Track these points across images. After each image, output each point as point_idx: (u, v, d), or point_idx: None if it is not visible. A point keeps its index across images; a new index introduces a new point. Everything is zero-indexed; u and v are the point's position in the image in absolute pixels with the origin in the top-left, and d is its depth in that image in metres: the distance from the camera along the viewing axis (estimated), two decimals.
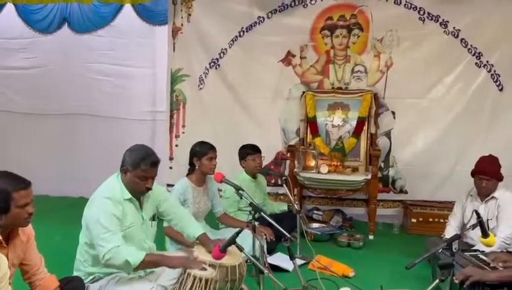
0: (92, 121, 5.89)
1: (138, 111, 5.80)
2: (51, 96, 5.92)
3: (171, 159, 5.38)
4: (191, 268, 2.40)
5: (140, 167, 2.42)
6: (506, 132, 4.71)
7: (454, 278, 2.36)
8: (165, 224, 3.16)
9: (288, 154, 4.75)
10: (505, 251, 3.07)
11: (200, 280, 2.34)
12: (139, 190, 2.49)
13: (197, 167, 3.42)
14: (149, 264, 2.41)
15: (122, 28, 5.62)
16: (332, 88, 4.99)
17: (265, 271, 2.40)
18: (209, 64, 5.27)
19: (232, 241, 2.35)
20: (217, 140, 3.74)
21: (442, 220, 4.43)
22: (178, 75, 5.41)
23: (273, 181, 4.98)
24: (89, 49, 5.74)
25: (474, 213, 2.38)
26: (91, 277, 2.45)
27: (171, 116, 5.50)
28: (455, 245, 2.41)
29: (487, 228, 2.40)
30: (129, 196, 2.46)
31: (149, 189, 2.49)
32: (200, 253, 2.63)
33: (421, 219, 4.61)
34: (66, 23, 5.68)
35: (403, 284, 3.08)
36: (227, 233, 3.47)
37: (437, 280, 1.59)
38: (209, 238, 2.74)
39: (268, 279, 2.45)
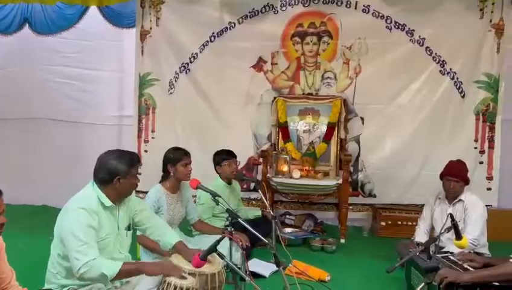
0: (55, 125, 5.68)
1: (104, 116, 5.65)
2: (11, 100, 5.67)
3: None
4: (170, 275, 2.34)
5: (135, 168, 2.44)
6: (468, 136, 4.93)
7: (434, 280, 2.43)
8: (138, 233, 3.09)
9: (261, 160, 4.77)
10: (472, 251, 3.19)
11: (181, 289, 2.29)
12: (131, 191, 2.50)
13: (171, 174, 3.35)
14: (127, 273, 2.33)
15: (88, 31, 5.47)
16: (303, 94, 5.06)
17: (247, 278, 2.38)
18: (179, 68, 5.22)
19: (213, 249, 2.31)
20: (187, 145, 3.69)
21: (411, 223, 4.57)
22: (147, 79, 5.32)
23: (245, 186, 4.97)
24: (52, 51, 5.54)
25: (449, 216, 2.46)
26: None
27: (140, 121, 5.40)
28: (432, 248, 2.48)
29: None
30: (110, 203, 2.38)
31: (137, 185, 2.49)
32: (178, 261, 2.57)
33: (389, 222, 4.73)
34: (28, 24, 5.47)
35: (378, 286, 3.14)
36: (201, 240, 3.44)
37: (423, 283, 1.63)
38: (186, 246, 2.69)
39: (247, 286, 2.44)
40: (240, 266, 2.60)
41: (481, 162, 4.87)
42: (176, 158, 3.35)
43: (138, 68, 5.33)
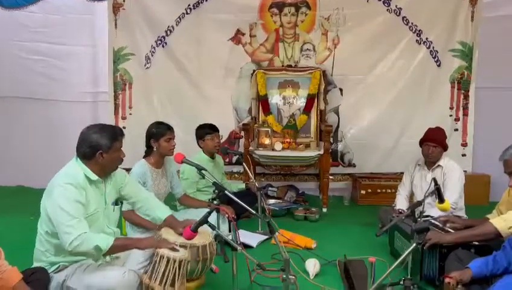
0: (27, 104, 5.49)
1: (78, 92, 5.48)
2: None
3: None
4: (162, 248, 2.35)
5: (118, 141, 2.39)
6: (443, 104, 5.05)
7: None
8: (123, 208, 3.06)
9: (242, 133, 4.76)
10: (451, 214, 3.30)
11: (174, 261, 2.29)
12: (116, 165, 2.46)
13: (155, 149, 3.31)
14: (118, 248, 2.32)
15: (57, 4, 5.27)
16: (282, 66, 5.03)
17: (239, 248, 2.41)
18: (156, 42, 5.10)
19: (205, 220, 2.32)
20: (167, 121, 3.60)
21: (390, 191, 4.71)
22: (122, 54, 5.18)
23: (227, 160, 4.98)
24: (21, 26, 5.31)
25: (432, 181, 2.53)
26: (55, 267, 2.31)
27: (116, 97, 5.28)
28: (417, 212, 2.56)
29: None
30: (96, 177, 2.34)
31: (122, 159, 2.46)
32: (169, 235, 2.58)
33: (369, 191, 4.85)
34: None
35: (362, 251, 3.23)
36: (186, 214, 3.44)
37: (414, 244, 1.69)
38: (177, 220, 2.70)
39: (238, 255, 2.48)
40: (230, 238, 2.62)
41: (456, 129, 5.01)
42: (158, 133, 3.30)
43: (112, 42, 5.18)
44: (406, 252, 1.70)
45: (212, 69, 5.10)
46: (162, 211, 2.68)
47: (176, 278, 2.31)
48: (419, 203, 2.48)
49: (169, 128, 3.36)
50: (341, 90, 5.09)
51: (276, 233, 1.98)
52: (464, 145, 5.02)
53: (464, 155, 4.99)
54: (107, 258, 2.43)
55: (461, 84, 4.98)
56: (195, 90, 5.12)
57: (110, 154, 2.35)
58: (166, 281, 2.29)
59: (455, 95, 5.01)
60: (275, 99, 4.95)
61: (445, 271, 2.43)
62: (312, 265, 2.85)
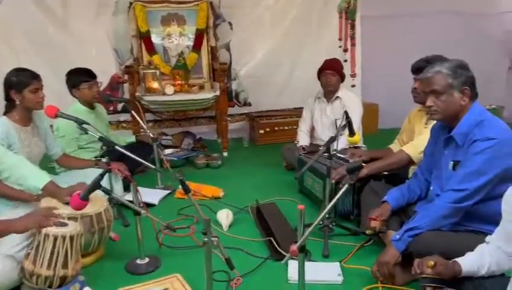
0: None
1: None
2: None
3: None
4: (46, 226, 1.90)
5: None
6: (333, 36, 5.02)
7: (331, 179, 2.43)
8: None
9: (126, 77, 4.19)
10: (351, 146, 3.29)
11: (63, 238, 1.87)
12: None
13: (17, 102, 2.66)
14: None
15: None
16: None
17: (143, 211, 2.07)
18: None
19: (97, 185, 1.91)
20: (32, 68, 2.93)
21: (287, 128, 4.67)
22: None
23: (111, 108, 4.40)
24: None
25: (344, 114, 2.42)
26: None
27: None
28: (332, 148, 2.44)
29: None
30: None
31: None
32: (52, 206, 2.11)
33: (268, 129, 4.73)
34: None
35: (271, 192, 3.11)
36: (68, 177, 2.93)
37: (347, 185, 1.53)
38: (59, 187, 2.23)
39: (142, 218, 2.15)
40: (131, 200, 2.24)
41: (345, 60, 5.02)
42: (21, 82, 2.64)
43: None
44: (339, 194, 1.55)
45: (81, 5, 4.30)
46: (37, 178, 2.19)
47: (69, 258, 1.90)
48: (333, 138, 2.35)
49: (35, 77, 2.70)
50: (230, 24, 4.74)
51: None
52: (353, 76, 5.10)
53: (353, 86, 5.07)
54: None
55: (348, 13, 4.96)
56: (62, 30, 4.29)
57: None
58: (57, 263, 1.87)
59: (343, 25, 4.99)
60: (159, 36, 4.41)
61: (362, 204, 2.40)
62: (224, 217, 2.62)
